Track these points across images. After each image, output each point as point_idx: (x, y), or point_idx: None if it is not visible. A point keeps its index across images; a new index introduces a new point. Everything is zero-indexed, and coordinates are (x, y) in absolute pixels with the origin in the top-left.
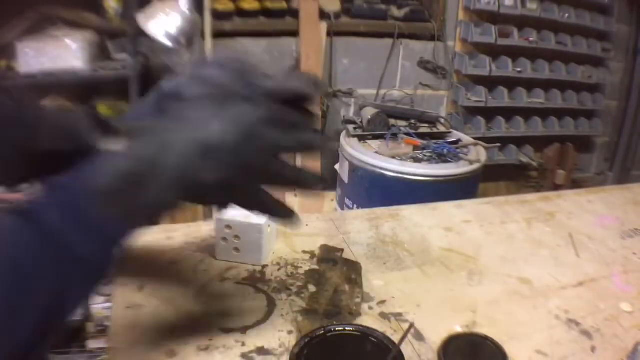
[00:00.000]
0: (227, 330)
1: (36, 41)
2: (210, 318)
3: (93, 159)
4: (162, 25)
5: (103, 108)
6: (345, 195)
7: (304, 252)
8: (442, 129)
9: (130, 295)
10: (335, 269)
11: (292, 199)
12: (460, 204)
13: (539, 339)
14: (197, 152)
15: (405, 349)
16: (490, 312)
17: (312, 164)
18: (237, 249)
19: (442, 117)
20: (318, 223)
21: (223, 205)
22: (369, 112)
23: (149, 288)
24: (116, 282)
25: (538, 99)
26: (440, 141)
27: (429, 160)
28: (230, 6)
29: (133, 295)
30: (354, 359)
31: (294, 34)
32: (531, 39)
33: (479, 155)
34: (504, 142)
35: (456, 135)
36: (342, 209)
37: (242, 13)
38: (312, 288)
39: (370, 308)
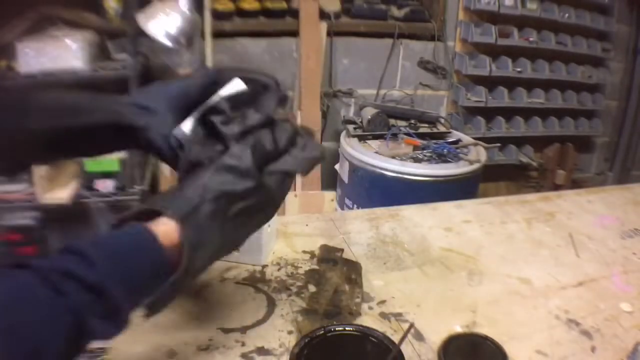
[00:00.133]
0: (227, 330)
1: (36, 41)
2: (210, 318)
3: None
4: (162, 25)
5: None
6: (345, 195)
7: (304, 252)
8: (442, 129)
9: None
10: (335, 269)
11: (292, 199)
12: (460, 204)
13: (539, 339)
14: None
15: (405, 349)
16: (490, 312)
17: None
18: (237, 249)
19: (442, 117)
20: (318, 223)
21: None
22: (369, 112)
23: None
24: None
25: (538, 99)
26: (440, 141)
27: (429, 160)
28: (230, 6)
29: None
30: (354, 359)
31: (294, 34)
32: (531, 39)
33: (479, 155)
34: (504, 142)
35: (456, 135)
36: (342, 209)
37: (242, 13)
38: (312, 288)
39: (370, 308)
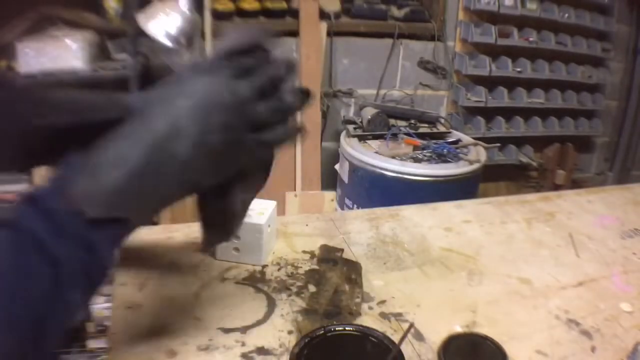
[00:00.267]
0: (227, 330)
1: (36, 41)
2: (210, 318)
3: (98, 143)
4: (162, 25)
5: None
6: (345, 195)
7: (304, 252)
8: (442, 129)
9: (130, 295)
10: (335, 269)
11: (292, 199)
12: (460, 204)
13: (539, 339)
14: (201, 115)
15: (405, 349)
16: (490, 312)
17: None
18: (237, 249)
19: (442, 117)
20: (318, 223)
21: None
22: (369, 112)
23: (149, 288)
24: (116, 282)
25: (538, 99)
26: (440, 141)
27: (429, 160)
28: (230, 6)
29: (133, 295)
30: (354, 359)
31: (294, 34)
32: (531, 39)
33: (479, 155)
34: (503, 142)
35: (456, 135)
36: (342, 209)
37: (242, 13)
38: (312, 288)
39: (370, 308)
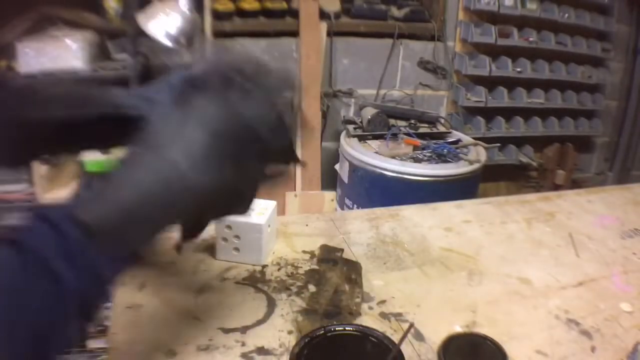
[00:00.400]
0: (227, 330)
1: (36, 41)
2: (210, 318)
3: (93, 180)
4: (162, 25)
5: None
6: (345, 195)
7: (304, 252)
8: (442, 129)
9: (130, 295)
10: (335, 269)
11: (292, 199)
12: (460, 204)
13: (539, 339)
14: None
15: (405, 349)
16: (490, 312)
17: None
18: (237, 249)
19: (442, 117)
20: (318, 223)
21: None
22: (369, 112)
23: (149, 288)
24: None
25: (538, 99)
26: (440, 141)
27: (429, 160)
28: (230, 6)
29: (133, 295)
30: (354, 359)
31: (294, 34)
32: (531, 39)
33: (478, 155)
34: (503, 142)
35: (456, 135)
36: (342, 209)
37: (242, 13)
38: (312, 288)
39: (370, 308)
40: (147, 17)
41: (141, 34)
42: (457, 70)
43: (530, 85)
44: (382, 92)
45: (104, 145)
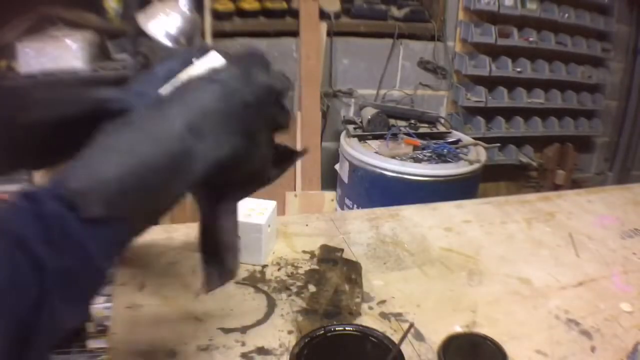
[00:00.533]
0: (227, 330)
1: (36, 41)
2: (210, 318)
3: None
4: (162, 25)
5: None
6: (345, 195)
7: (304, 252)
8: (442, 129)
9: (130, 295)
10: (335, 269)
11: (292, 199)
12: (460, 204)
13: (539, 339)
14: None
15: (405, 349)
16: (490, 312)
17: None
18: None
19: (442, 117)
20: (318, 223)
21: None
22: (369, 112)
23: (149, 288)
24: (116, 282)
25: (538, 99)
26: (440, 141)
27: (429, 160)
28: (230, 6)
29: (133, 295)
30: (354, 359)
31: (294, 34)
32: (531, 39)
33: (478, 155)
34: (503, 142)
35: (456, 135)
36: (342, 209)
37: (242, 13)
38: (312, 288)
39: (370, 308)
40: (147, 17)
41: (141, 34)
42: (457, 70)
43: (530, 85)
44: (382, 92)
45: None
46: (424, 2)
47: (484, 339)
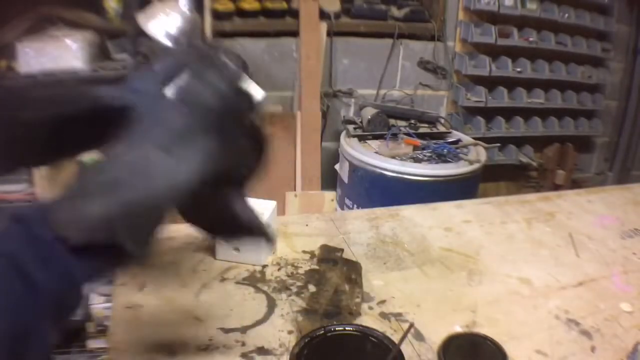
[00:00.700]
0: (227, 330)
1: (36, 41)
2: (210, 318)
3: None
4: (162, 25)
5: None
6: (345, 195)
7: (304, 252)
8: (442, 129)
9: (130, 295)
10: (335, 269)
11: (292, 199)
12: (460, 204)
13: (539, 339)
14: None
15: (405, 349)
16: (490, 312)
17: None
18: (237, 249)
19: (442, 117)
20: (318, 223)
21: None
22: (369, 112)
23: (149, 288)
24: (116, 282)
25: (538, 99)
26: (440, 141)
27: (429, 160)
28: (230, 6)
29: (133, 295)
30: (354, 359)
31: (294, 34)
32: (531, 39)
33: (478, 155)
34: (503, 142)
35: (456, 135)
36: (342, 209)
37: (242, 13)
38: (312, 288)
39: (370, 308)
40: (147, 17)
41: (141, 34)
42: (457, 70)
43: (530, 85)
44: (382, 92)
45: (99, 143)
46: (424, 2)
47: (484, 339)
